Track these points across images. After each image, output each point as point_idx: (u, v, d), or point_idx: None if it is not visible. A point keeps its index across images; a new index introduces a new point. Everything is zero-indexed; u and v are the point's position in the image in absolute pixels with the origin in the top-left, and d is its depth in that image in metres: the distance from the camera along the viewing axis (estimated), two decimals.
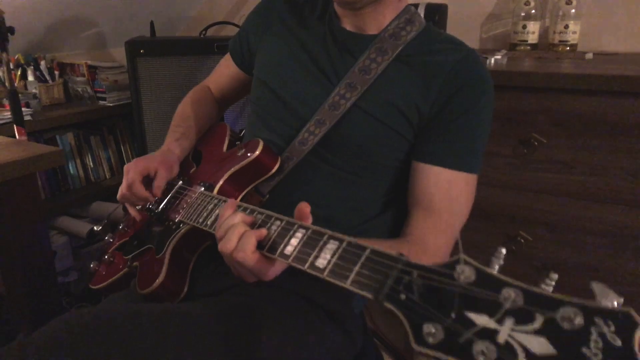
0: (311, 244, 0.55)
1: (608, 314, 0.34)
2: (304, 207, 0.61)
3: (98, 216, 1.99)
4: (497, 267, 0.41)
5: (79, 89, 1.99)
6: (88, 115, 1.93)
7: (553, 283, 0.39)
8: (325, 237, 0.54)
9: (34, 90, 1.83)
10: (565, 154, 1.28)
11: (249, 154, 0.85)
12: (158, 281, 0.79)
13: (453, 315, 0.38)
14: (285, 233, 0.59)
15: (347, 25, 0.88)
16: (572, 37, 1.61)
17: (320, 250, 0.53)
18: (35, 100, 1.81)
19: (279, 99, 0.91)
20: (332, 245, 0.53)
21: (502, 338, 0.35)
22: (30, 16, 1.77)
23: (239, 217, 0.65)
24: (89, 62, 1.97)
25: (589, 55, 1.51)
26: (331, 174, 0.87)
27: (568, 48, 1.62)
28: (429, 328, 0.38)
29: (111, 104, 1.97)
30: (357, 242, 0.51)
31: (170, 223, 0.87)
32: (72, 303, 1.78)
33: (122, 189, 0.92)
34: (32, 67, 1.87)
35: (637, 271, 1.26)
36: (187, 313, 0.70)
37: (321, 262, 0.52)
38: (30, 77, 1.86)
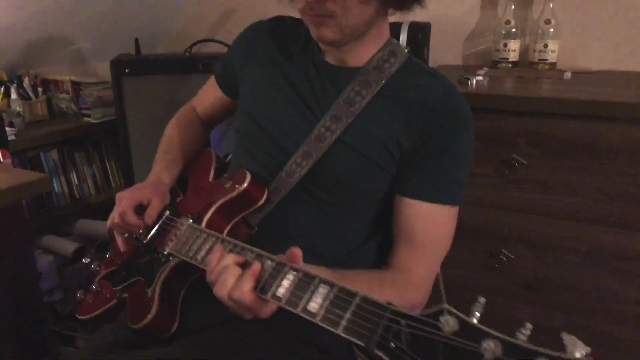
0: (302, 287, 0.57)
1: None
2: (297, 252, 0.63)
3: (83, 234, 1.98)
4: (477, 314, 0.44)
5: (63, 106, 1.98)
6: (73, 133, 1.92)
7: (528, 332, 0.42)
8: (316, 281, 0.56)
9: (17, 109, 1.82)
10: (544, 174, 1.32)
11: (236, 186, 0.87)
12: (150, 316, 0.80)
13: None
14: (277, 274, 0.61)
15: (330, 58, 0.90)
16: (551, 55, 1.65)
17: (312, 294, 0.56)
18: (18, 119, 1.80)
19: (263, 131, 0.92)
20: (323, 290, 0.55)
21: None
22: (11, 33, 1.75)
23: (230, 258, 0.66)
24: (73, 79, 1.96)
25: (567, 75, 1.55)
26: (315, 206, 0.89)
27: (547, 66, 1.66)
28: None
29: (96, 121, 1.96)
30: (347, 288, 0.53)
31: (159, 255, 0.88)
32: (58, 324, 1.78)
33: (113, 217, 0.93)
34: (15, 85, 1.86)
35: (614, 288, 1.30)
36: None
37: (313, 306, 0.55)
38: (14, 95, 1.84)
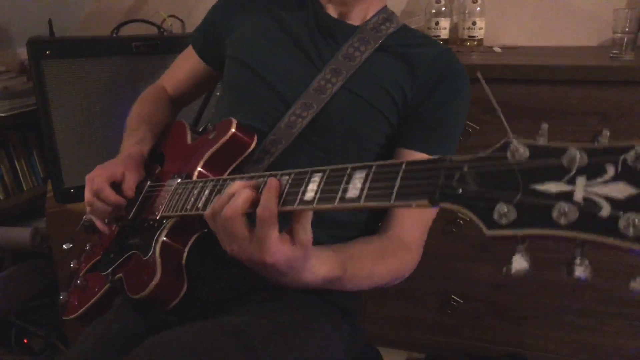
0: (334, 181, 0.50)
1: None
2: None
3: None
4: (542, 142, 0.40)
5: None
6: None
7: (608, 134, 0.36)
8: (348, 170, 0.49)
9: None
10: (495, 138, 1.39)
11: (223, 134, 0.81)
12: (154, 282, 0.71)
13: (520, 190, 0.36)
14: (299, 182, 0.53)
15: (332, 11, 0.90)
16: (478, 32, 1.76)
17: (347, 183, 0.48)
18: None
19: (259, 78, 0.87)
20: (360, 174, 0.48)
21: (578, 196, 0.33)
22: None
23: (237, 183, 0.58)
24: None
25: (498, 49, 1.67)
26: (318, 157, 0.86)
27: (475, 43, 1.77)
28: (498, 209, 0.35)
29: (3, 114, 1.72)
30: (386, 163, 0.47)
31: (151, 222, 0.79)
32: None
33: (87, 198, 0.84)
34: None
35: None
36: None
37: (353, 193, 0.47)
38: None
